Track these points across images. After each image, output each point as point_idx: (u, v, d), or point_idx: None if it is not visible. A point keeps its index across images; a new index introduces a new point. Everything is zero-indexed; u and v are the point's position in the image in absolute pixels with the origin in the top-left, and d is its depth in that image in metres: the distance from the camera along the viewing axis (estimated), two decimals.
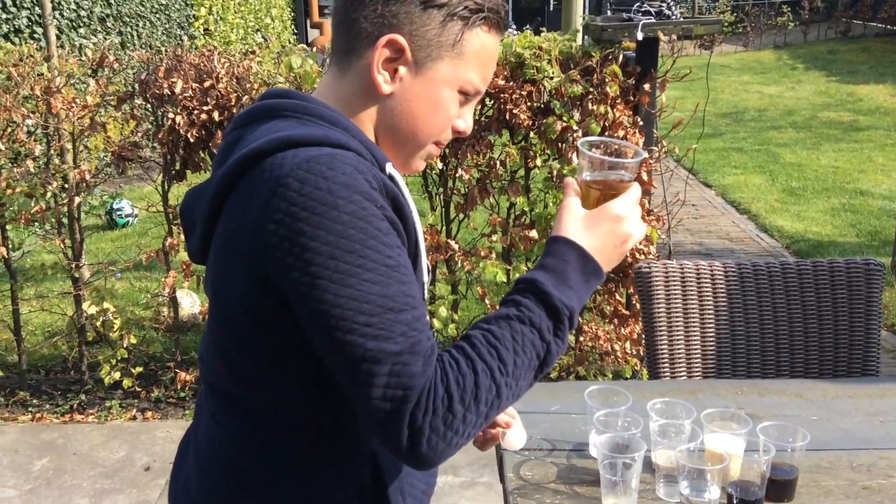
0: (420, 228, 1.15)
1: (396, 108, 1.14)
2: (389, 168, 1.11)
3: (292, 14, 15.53)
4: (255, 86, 3.39)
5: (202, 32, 10.23)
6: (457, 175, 3.39)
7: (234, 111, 3.37)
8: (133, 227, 6.51)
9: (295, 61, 3.27)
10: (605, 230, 1.12)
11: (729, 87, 12.31)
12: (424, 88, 1.13)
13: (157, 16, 9.09)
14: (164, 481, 3.16)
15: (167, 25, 9.39)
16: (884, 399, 1.85)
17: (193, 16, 10.08)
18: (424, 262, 1.18)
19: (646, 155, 1.12)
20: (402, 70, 1.12)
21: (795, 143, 9.06)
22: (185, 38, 9.58)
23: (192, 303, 4.41)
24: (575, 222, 1.13)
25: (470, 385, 1.01)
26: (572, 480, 1.55)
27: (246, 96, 3.36)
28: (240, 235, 1.03)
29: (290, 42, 13.83)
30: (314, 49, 4.17)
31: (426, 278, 1.19)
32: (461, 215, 3.52)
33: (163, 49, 4.35)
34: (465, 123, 1.20)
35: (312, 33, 15.58)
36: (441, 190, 3.53)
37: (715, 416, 1.56)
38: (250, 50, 3.74)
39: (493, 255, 3.39)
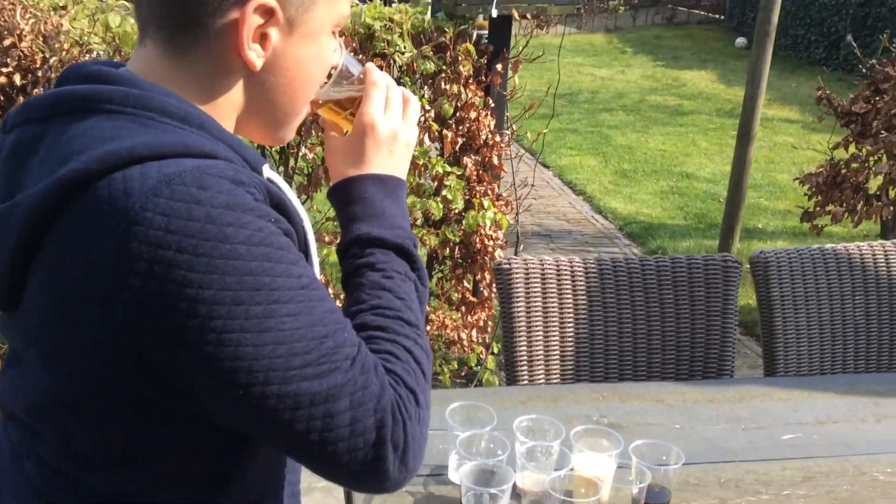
0: (310, 229, 0.93)
1: (270, 81, 0.89)
2: (266, 171, 0.88)
3: None
4: (66, 46, 2.99)
5: None
6: (300, 154, 3.14)
7: (40, 74, 2.95)
8: None
9: (113, 19, 2.90)
10: (370, 146, 1.01)
11: (564, 69, 12.47)
12: (302, 46, 0.89)
13: None
14: None
15: None
16: (743, 403, 1.82)
17: None
18: (316, 265, 0.97)
19: (344, 55, 0.99)
20: (274, 35, 0.87)
21: (626, 126, 9.34)
22: None
23: None
24: (343, 157, 1.02)
25: (415, 368, 0.89)
26: None
27: (54, 57, 2.95)
28: (83, 291, 0.76)
29: None
30: None
31: (318, 276, 0.98)
32: (304, 196, 3.28)
33: None
34: (338, 56, 0.98)
35: None
36: (282, 170, 3.27)
37: (584, 433, 1.45)
38: (60, 5, 3.30)
39: (339, 240, 3.18)
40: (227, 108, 0.89)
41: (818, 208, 3.89)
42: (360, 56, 2.92)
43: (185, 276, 0.73)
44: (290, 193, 0.91)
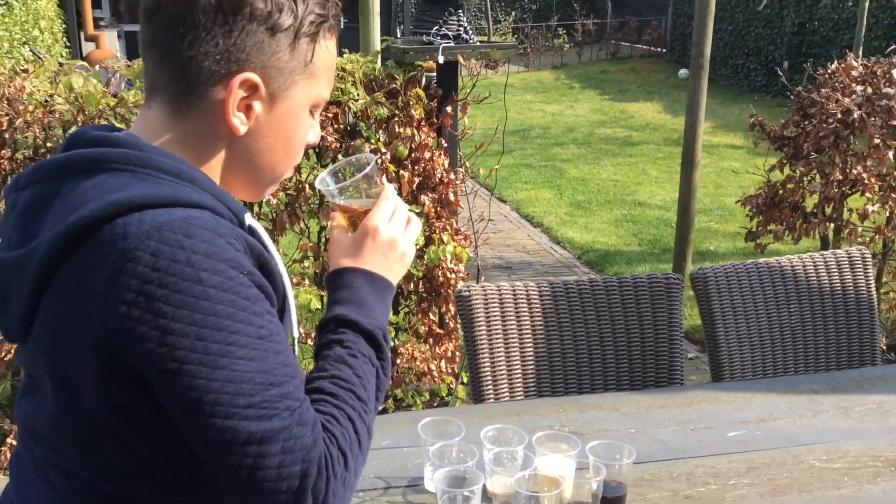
0: (287, 280, 1.06)
1: (252, 146, 1.04)
2: (248, 220, 1.02)
3: (63, 26, 14.48)
4: (31, 108, 3.09)
5: None
6: (265, 200, 3.26)
7: (6, 136, 3.05)
8: None
9: (76, 81, 3.01)
10: (369, 246, 1.13)
11: (514, 106, 12.86)
12: (281, 120, 1.04)
13: None
14: None
15: None
16: (692, 407, 1.96)
17: None
18: (294, 315, 1.09)
19: (372, 164, 1.16)
20: (257, 106, 1.02)
21: (578, 159, 9.60)
22: None
23: None
24: (343, 251, 1.14)
25: (352, 435, 0.98)
26: None
27: (20, 119, 3.05)
28: (82, 318, 0.89)
29: (62, 56, 12.89)
30: (98, 67, 3.88)
31: (296, 333, 1.11)
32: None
33: None
34: (315, 135, 1.12)
35: (87, 46, 14.57)
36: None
37: (545, 438, 1.58)
38: (21, 68, 3.41)
39: (306, 282, 3.30)
40: (215, 166, 1.04)
41: (760, 228, 4.10)
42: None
43: (161, 307, 0.86)
44: (268, 241, 1.05)
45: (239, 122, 1.01)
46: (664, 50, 16.87)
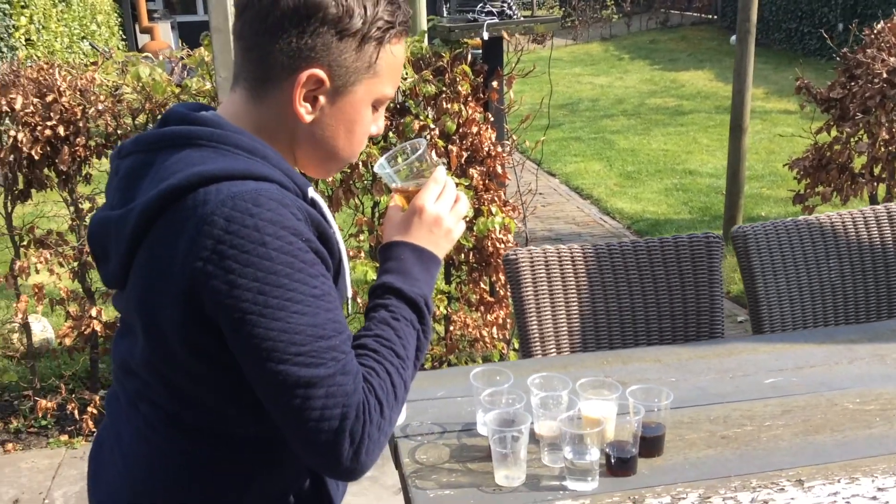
0: (343, 247, 1.20)
1: (317, 133, 1.18)
2: (311, 193, 1.16)
3: (119, 20, 14.88)
4: (101, 98, 3.30)
5: (24, 43, 9.65)
6: (328, 178, 3.43)
7: (81, 124, 3.26)
8: None
9: (143, 71, 3.20)
10: (416, 223, 1.25)
11: (563, 80, 12.86)
12: (343, 112, 1.17)
13: None
14: None
15: None
16: (731, 357, 2.06)
17: (13, 26, 9.50)
18: (348, 278, 1.24)
19: (421, 148, 1.29)
20: (322, 99, 1.15)
21: (627, 130, 9.60)
22: (5, 49, 9.01)
23: (42, 328, 4.21)
24: (394, 227, 1.28)
25: (389, 387, 1.12)
26: (465, 458, 1.65)
27: (92, 108, 3.26)
28: (167, 271, 1.05)
29: (118, 48, 13.26)
30: (161, 57, 4.07)
31: (349, 293, 1.26)
32: None
33: None
34: (378, 128, 1.26)
35: (142, 38, 14.97)
36: None
37: (588, 385, 1.70)
38: (92, 61, 3.62)
39: (362, 255, 3.46)
40: (285, 147, 1.19)
41: (808, 190, 4.13)
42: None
43: (230, 265, 1.01)
44: (327, 212, 1.20)
45: (304, 112, 1.15)
46: (715, 17, 16.60)
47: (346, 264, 1.23)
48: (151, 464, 1.18)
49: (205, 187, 1.05)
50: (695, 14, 16.97)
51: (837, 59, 4.16)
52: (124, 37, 14.91)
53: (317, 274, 1.07)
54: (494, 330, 3.62)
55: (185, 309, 1.05)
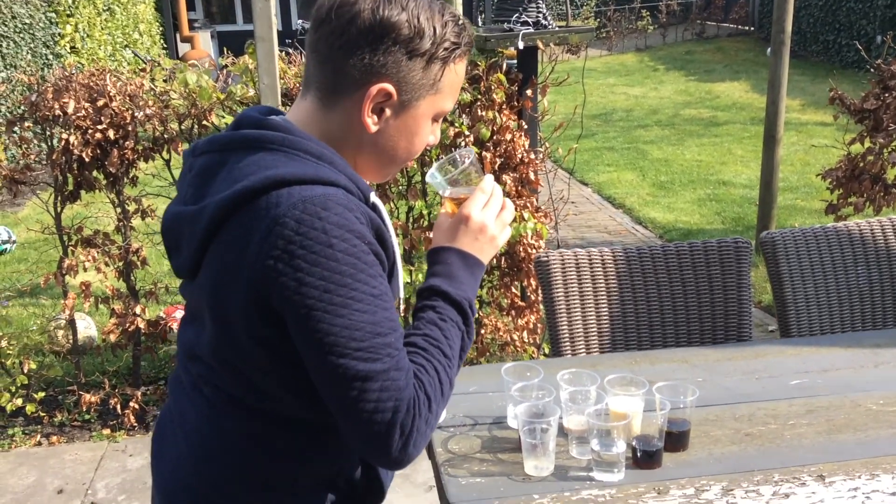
0: (398, 250, 1.28)
1: (380, 142, 1.26)
2: (373, 197, 1.24)
3: (161, 29, 15.20)
4: (150, 102, 3.42)
5: (69, 51, 9.92)
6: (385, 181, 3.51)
7: (130, 128, 3.38)
8: (12, 254, 6.29)
9: (190, 77, 3.32)
10: (462, 230, 1.32)
11: (597, 90, 12.90)
12: (406, 124, 1.25)
13: (22, 35, 8.77)
14: (80, 502, 3.15)
15: (32, 45, 9.07)
16: (758, 359, 2.11)
17: (59, 34, 9.77)
18: (401, 280, 1.32)
19: (469, 159, 1.37)
20: (388, 111, 1.23)
21: (661, 140, 9.61)
22: (50, 56, 9.27)
23: (86, 325, 4.35)
24: (442, 233, 1.35)
25: (437, 384, 1.20)
26: (495, 449, 1.71)
27: (141, 113, 3.38)
28: (238, 265, 1.13)
29: (159, 56, 13.52)
30: (206, 64, 4.20)
31: (402, 294, 1.34)
32: (403, 202, 3.63)
33: (27, 68, 4.27)
34: (435, 138, 1.34)
35: (183, 47, 15.28)
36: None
37: (616, 381, 1.76)
38: (141, 68, 3.75)
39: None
40: (350, 152, 1.26)
41: (840, 200, 4.14)
42: None
43: (299, 263, 1.09)
44: (386, 216, 1.29)
45: (371, 122, 1.23)
46: (752, 28, 16.53)
47: (399, 266, 1.31)
48: (213, 443, 1.27)
49: (277, 190, 1.13)
50: (731, 25, 16.91)
51: (872, 70, 4.18)
52: (165, 45, 15.23)
53: (376, 274, 1.14)
54: (525, 334, 3.68)
55: (253, 302, 1.13)
